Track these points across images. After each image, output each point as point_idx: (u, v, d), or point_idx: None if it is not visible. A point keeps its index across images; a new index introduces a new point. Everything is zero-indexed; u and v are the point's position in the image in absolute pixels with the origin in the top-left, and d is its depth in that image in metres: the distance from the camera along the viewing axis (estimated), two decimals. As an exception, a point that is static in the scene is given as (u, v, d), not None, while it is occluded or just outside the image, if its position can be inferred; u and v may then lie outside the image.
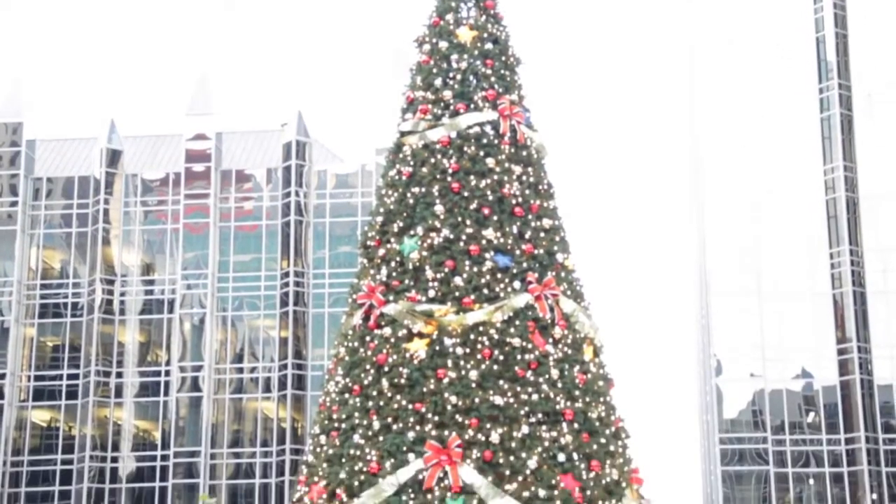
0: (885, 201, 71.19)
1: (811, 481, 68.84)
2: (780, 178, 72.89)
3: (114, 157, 75.28)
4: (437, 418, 16.08)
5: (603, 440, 16.62)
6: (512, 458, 15.84)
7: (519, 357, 16.47)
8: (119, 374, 72.29)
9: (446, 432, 15.90)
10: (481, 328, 16.56)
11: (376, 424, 16.27)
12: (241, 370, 72.51)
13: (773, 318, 70.87)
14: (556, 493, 15.75)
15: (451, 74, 18.26)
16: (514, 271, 17.10)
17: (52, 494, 70.24)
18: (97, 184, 75.16)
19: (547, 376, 16.53)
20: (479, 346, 16.46)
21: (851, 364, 69.78)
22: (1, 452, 70.14)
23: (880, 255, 71.12)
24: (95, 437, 70.49)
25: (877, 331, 70.13)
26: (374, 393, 16.51)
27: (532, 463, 15.81)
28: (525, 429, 16.07)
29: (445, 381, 16.21)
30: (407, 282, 17.06)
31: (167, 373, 72.16)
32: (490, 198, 17.47)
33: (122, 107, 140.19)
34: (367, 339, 16.97)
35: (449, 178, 17.56)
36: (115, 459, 70.73)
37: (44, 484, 70.46)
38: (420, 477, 15.76)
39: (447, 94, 18.11)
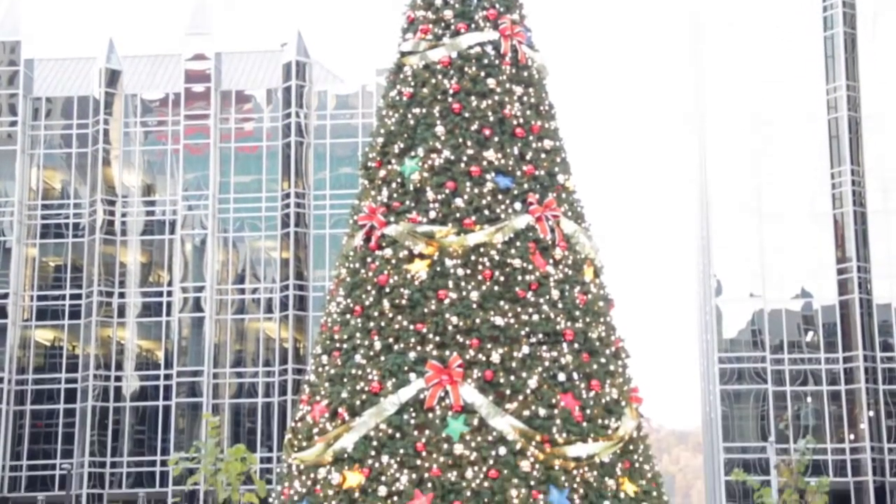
0: (887, 121, 70.96)
1: (809, 399, 69.44)
2: (783, 97, 72.59)
3: (113, 77, 74.92)
4: (438, 339, 16.19)
5: (603, 360, 16.75)
6: (512, 377, 15.97)
7: (519, 278, 16.53)
8: (121, 295, 72.64)
9: (447, 352, 16.02)
10: (482, 249, 16.60)
11: (378, 344, 16.39)
12: (242, 291, 72.83)
13: (773, 239, 71.02)
14: (555, 411, 15.90)
15: (451, -7, 18.12)
16: (515, 192, 17.10)
17: (56, 412, 70.93)
18: (96, 104, 74.88)
19: (547, 297, 16.60)
20: (479, 267, 16.51)
21: (851, 284, 70.05)
22: (6, 371, 70.68)
23: (881, 174, 71.07)
24: (99, 357, 71.00)
25: (877, 250, 70.31)
26: (376, 313, 16.60)
27: (532, 382, 15.95)
28: (525, 349, 16.19)
29: (446, 301, 16.29)
30: (408, 203, 17.07)
31: (169, 293, 72.48)
32: (491, 119, 17.43)
33: (121, 26, 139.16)
34: (368, 260, 17.02)
35: (449, 99, 17.50)
36: (118, 378, 71.31)
37: (49, 402, 71.12)
38: (421, 396, 15.91)
39: (448, 13, 17.98)
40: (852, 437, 68.33)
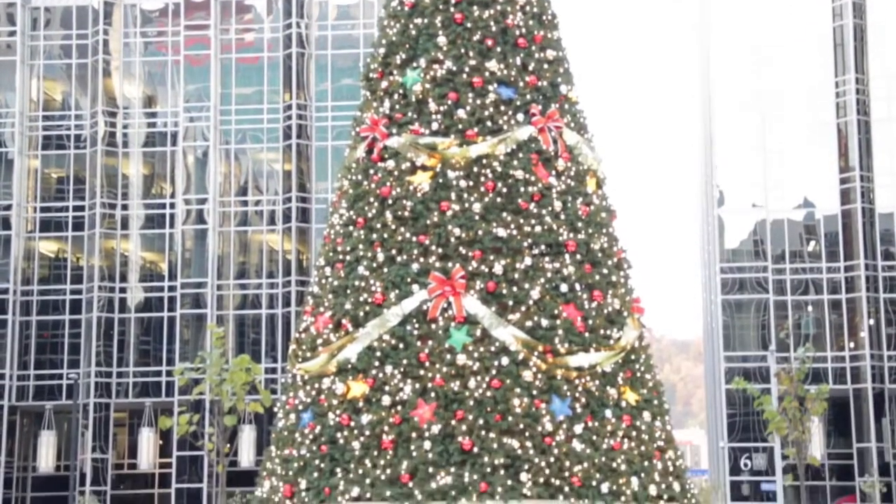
0: (891, 29, 70.32)
1: (809, 308, 69.77)
2: (787, 4, 71.88)
3: (111, -13, 74.17)
4: (440, 250, 16.24)
5: (605, 271, 16.82)
6: (515, 288, 16.05)
7: (522, 189, 16.53)
8: (124, 207, 72.69)
9: (450, 264, 16.08)
10: (484, 161, 16.58)
11: (381, 256, 16.45)
12: (245, 203, 72.85)
13: (775, 149, 70.82)
14: (558, 322, 16.01)
15: None
16: (518, 103, 17.04)
17: (62, 323, 71.39)
18: (95, 14, 74.25)
19: (550, 208, 16.62)
20: (482, 178, 16.50)
21: (853, 193, 69.99)
22: (11, 282, 71.01)
23: (886, 82, 70.63)
24: (103, 269, 71.27)
25: (880, 159, 70.14)
26: (378, 225, 16.63)
27: (535, 293, 16.03)
28: (528, 260, 16.24)
29: (449, 213, 16.31)
30: (410, 114, 17.01)
31: (172, 205, 72.51)
32: (493, 29, 17.30)
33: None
34: (371, 172, 17.01)
35: (451, 9, 17.35)
36: (123, 290, 71.66)
37: (54, 313, 71.54)
38: (424, 307, 16.00)
39: (448, -79, 17.77)
40: (852, 345, 68.76)
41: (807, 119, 70.78)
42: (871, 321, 68.46)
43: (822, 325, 69.22)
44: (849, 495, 66.00)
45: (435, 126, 16.80)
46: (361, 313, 16.23)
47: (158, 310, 71.21)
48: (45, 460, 69.33)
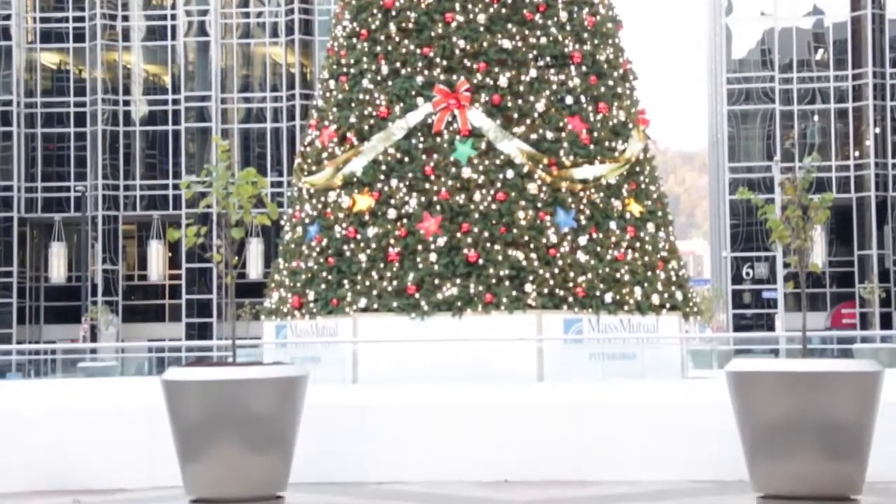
0: None
1: (816, 118, 69.45)
2: None
3: None
4: (445, 63, 16.14)
5: (610, 82, 16.75)
6: (520, 101, 16.02)
7: (527, 0, 16.36)
8: (125, 18, 71.75)
9: (455, 76, 16.01)
10: (489, -30, 16.35)
11: (385, 69, 16.36)
12: (247, 15, 71.82)
13: (787, -46, 69.35)
14: (563, 134, 16.03)
15: None
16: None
17: (67, 136, 71.31)
18: None
19: (555, 19, 16.45)
20: (486, -12, 16.30)
21: (864, -2, 68.84)
22: (14, 94, 70.66)
23: None
24: (106, 81, 70.79)
25: (893, -33, 68.75)
26: (382, 37, 16.50)
27: (540, 106, 16.00)
28: (533, 72, 16.16)
29: (453, 24, 16.16)
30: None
31: (173, 17, 71.54)
32: None
33: None
34: (374, -18, 16.78)
35: None
36: (126, 103, 71.33)
37: (59, 125, 71.39)
38: (429, 121, 16.00)
39: None
40: (857, 154, 68.68)
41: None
42: (877, 129, 68.22)
43: (828, 135, 68.98)
44: (848, 301, 66.94)
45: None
46: (366, 127, 16.25)
47: (163, 123, 71.02)
48: (57, 271, 70.22)
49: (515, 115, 15.91)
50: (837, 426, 7.22)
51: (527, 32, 16.22)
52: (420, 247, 15.41)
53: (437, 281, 15.21)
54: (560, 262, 15.38)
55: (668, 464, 8.85)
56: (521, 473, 8.93)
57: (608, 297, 15.53)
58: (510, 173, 15.62)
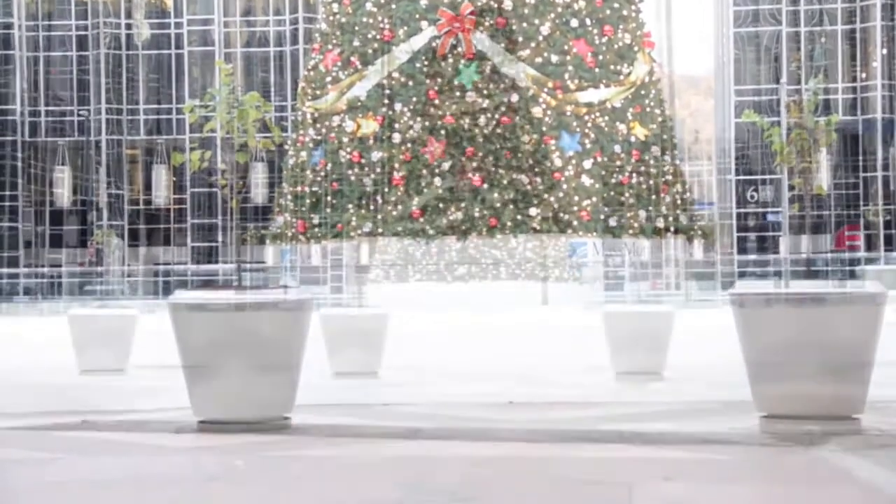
0: None
1: (823, 40, 68.89)
2: None
3: None
4: (449, -15, 16.02)
5: (616, 5, 16.64)
6: (525, 24, 15.92)
7: (532, -80, 16.19)
8: (126, -60, 71.09)
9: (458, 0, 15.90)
10: None
11: (389, -9, 16.25)
12: (249, -66, 71.11)
13: None
14: (568, 58, 15.96)
15: None
16: None
17: (70, 59, 70.95)
18: None
19: (560, -60, 16.30)
20: None
21: None
22: (15, 16, 70.18)
23: None
24: (108, 4, 70.28)
25: None
26: (386, -41, 16.36)
27: (545, 29, 15.91)
28: (538, -6, 16.05)
29: (457, -54, 16.01)
30: None
31: (174, -62, 70.86)
32: None
33: None
34: None
35: None
36: (129, 27, 70.86)
37: (61, 49, 71.02)
38: (433, 44, 15.91)
39: None
40: (864, 76, 68.21)
41: None
42: (885, 50, 67.69)
43: (835, 57, 68.47)
44: (852, 223, 66.90)
45: None
46: (370, 50, 16.16)
47: (166, 47, 70.59)
48: (62, 195, 70.24)
49: (520, 39, 15.83)
50: (840, 347, 7.28)
51: (531, -46, 16.09)
52: (424, 171, 15.41)
53: (441, 205, 15.24)
54: (565, 186, 15.39)
55: (671, 385, 8.93)
56: (525, 395, 9.01)
57: (612, 221, 15.56)
58: (514, 97, 15.59)
